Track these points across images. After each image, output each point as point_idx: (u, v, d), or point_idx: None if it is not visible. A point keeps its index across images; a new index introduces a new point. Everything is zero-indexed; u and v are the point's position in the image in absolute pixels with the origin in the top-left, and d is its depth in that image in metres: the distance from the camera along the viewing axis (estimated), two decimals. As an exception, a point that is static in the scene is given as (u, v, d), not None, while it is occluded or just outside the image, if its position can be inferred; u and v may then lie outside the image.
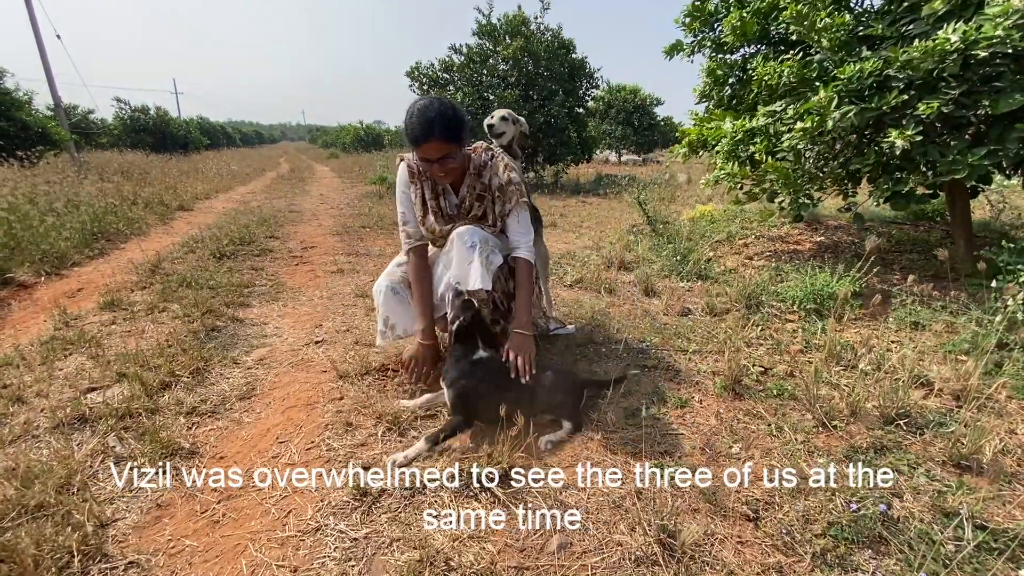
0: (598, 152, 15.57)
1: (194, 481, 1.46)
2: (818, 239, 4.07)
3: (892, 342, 2.17)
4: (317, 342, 2.45)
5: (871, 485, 1.32)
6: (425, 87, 8.55)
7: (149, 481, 1.46)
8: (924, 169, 2.18)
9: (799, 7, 2.31)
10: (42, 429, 1.70)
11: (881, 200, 2.35)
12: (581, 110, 8.79)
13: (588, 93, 8.79)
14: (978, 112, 2.04)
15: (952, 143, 2.13)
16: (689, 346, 2.22)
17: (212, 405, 1.86)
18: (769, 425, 1.64)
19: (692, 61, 3.95)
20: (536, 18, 8.35)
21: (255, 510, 1.35)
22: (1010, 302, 1.74)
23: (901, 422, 1.57)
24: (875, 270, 2.58)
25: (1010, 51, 1.83)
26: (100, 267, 3.98)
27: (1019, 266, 2.01)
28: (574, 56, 8.43)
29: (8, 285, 3.39)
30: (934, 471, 1.39)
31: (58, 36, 14.33)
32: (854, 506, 1.22)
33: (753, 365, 2.01)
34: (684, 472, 1.41)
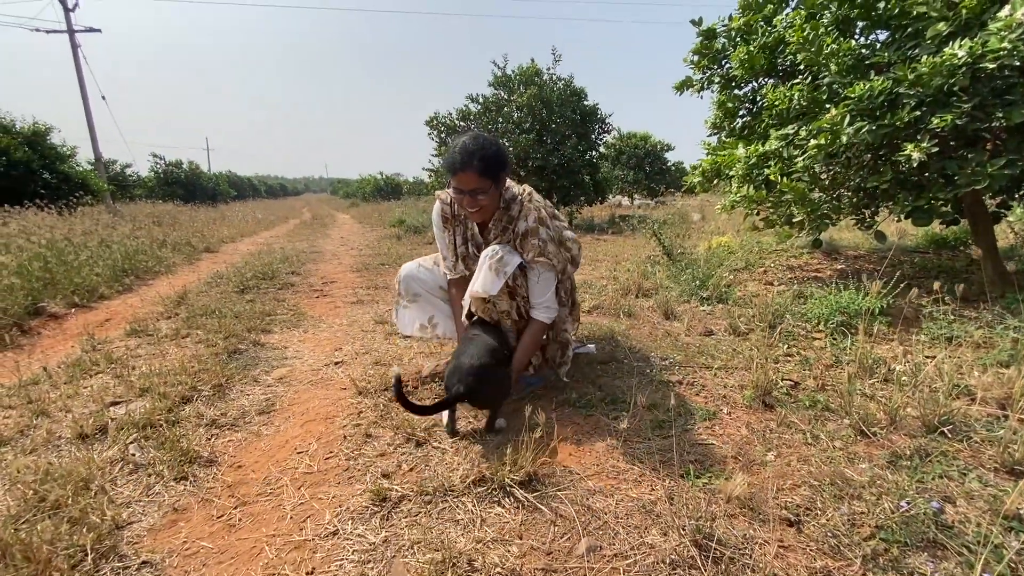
0: (611, 196, 15.85)
1: (211, 486, 1.43)
2: (838, 267, 4.02)
3: (927, 356, 2.09)
4: (336, 363, 2.45)
5: (920, 488, 1.24)
6: (443, 135, 8.90)
7: (167, 486, 1.43)
8: (943, 184, 2.17)
9: (804, 33, 2.39)
10: (64, 439, 1.70)
11: (902, 216, 2.34)
12: (594, 153, 9.02)
13: (600, 138, 9.05)
14: (993, 125, 2.05)
15: (970, 156, 2.13)
16: (714, 363, 2.17)
17: (232, 418, 1.85)
18: (804, 434, 1.56)
19: (702, 97, 4.08)
20: (548, 69, 8.76)
21: (272, 515, 1.32)
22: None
23: (945, 429, 1.49)
24: (901, 287, 2.52)
25: (1018, 63, 1.86)
26: (128, 300, 4.09)
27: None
28: (586, 103, 8.76)
29: (40, 315, 3.48)
30: (986, 476, 1.30)
31: (103, 97, 15.41)
32: (904, 504, 1.14)
33: (782, 379, 1.95)
34: (717, 478, 1.35)
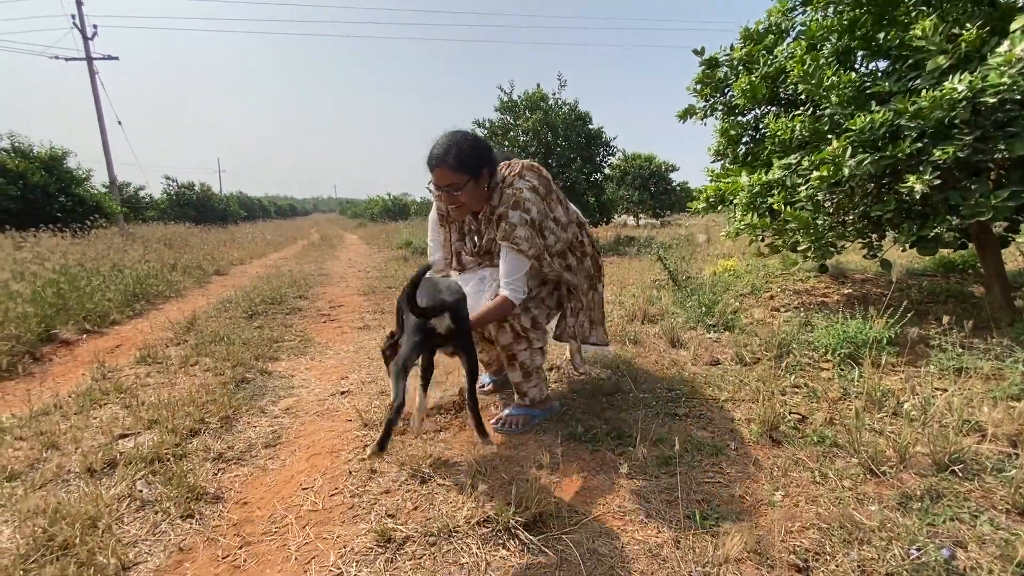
0: (616, 216, 15.95)
1: (217, 524, 1.43)
2: (846, 291, 4.00)
3: (936, 388, 2.07)
4: (343, 393, 2.46)
5: (931, 532, 1.22)
6: (450, 158, 9.03)
7: (173, 524, 1.44)
8: (948, 215, 2.18)
9: (805, 66, 2.43)
10: (73, 473, 1.71)
11: (907, 245, 2.34)
12: (598, 176, 9.10)
13: (605, 160, 9.14)
14: (995, 156, 2.06)
15: (973, 187, 2.13)
16: (720, 394, 2.16)
17: (239, 452, 1.86)
18: (812, 472, 1.55)
19: (705, 124, 4.13)
20: (554, 94, 8.91)
21: (277, 555, 1.32)
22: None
23: (956, 468, 1.47)
24: (910, 315, 2.51)
25: (1018, 97, 1.88)
26: (138, 325, 4.14)
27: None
28: (590, 127, 8.87)
29: (52, 342, 3.53)
30: (998, 519, 1.28)
31: (119, 122, 15.81)
32: (915, 551, 1.12)
33: (789, 412, 1.93)
34: (724, 520, 1.33)
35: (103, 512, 1.44)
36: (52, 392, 2.57)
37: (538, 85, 8.97)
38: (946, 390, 2.05)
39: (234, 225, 24.96)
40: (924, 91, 2.05)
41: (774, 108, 3.42)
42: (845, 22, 2.77)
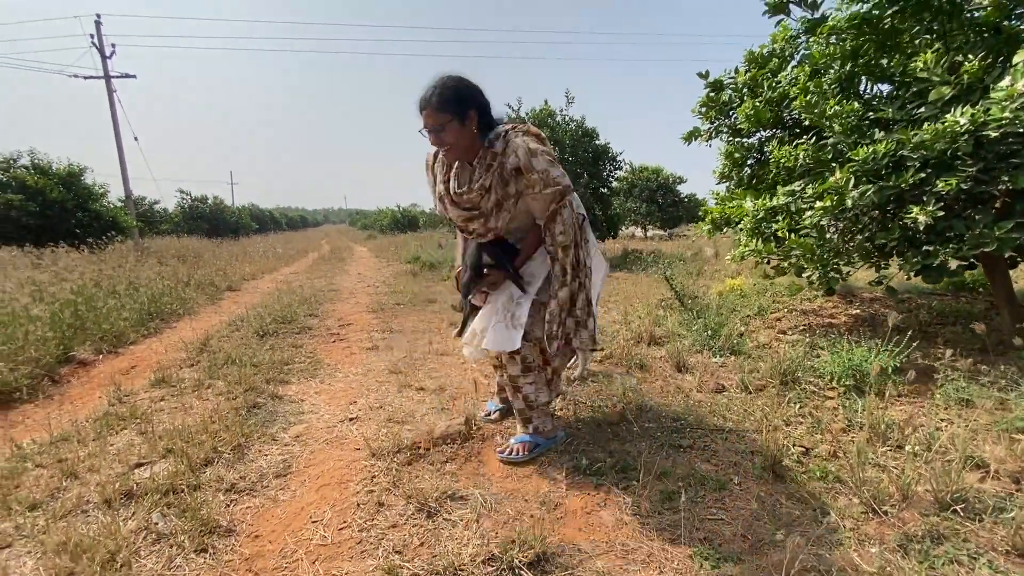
0: (624, 228, 15.97)
1: (229, 559, 1.47)
2: (853, 312, 3.99)
3: (941, 420, 2.07)
4: (351, 419, 2.50)
5: (931, 573, 1.23)
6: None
7: (187, 558, 1.48)
8: (953, 243, 2.19)
9: (808, 97, 2.47)
10: (92, 504, 1.77)
11: (912, 274, 2.35)
12: (605, 190, 9.14)
13: (612, 175, 9.19)
14: (999, 188, 2.07)
15: (977, 217, 2.15)
16: (725, 424, 2.17)
17: (250, 482, 1.90)
18: (814, 510, 1.56)
19: (710, 145, 4.17)
20: (562, 110, 9.00)
21: (287, 592, 1.35)
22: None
23: (958, 508, 1.48)
24: (916, 343, 2.51)
25: (1021, 130, 1.89)
26: (153, 345, 4.23)
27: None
28: (597, 142, 8.94)
29: (69, 362, 3.62)
30: (997, 561, 1.29)
31: (136, 139, 16.16)
32: (912, 601, 1.13)
33: (793, 445, 1.94)
34: (724, 561, 1.35)
35: (121, 546, 1.49)
36: (70, 417, 2.64)
37: (545, 101, 9.07)
38: (951, 422, 2.06)
39: (246, 237, 25.32)
40: (926, 124, 2.07)
41: (779, 131, 3.45)
42: (848, 49, 2.81)
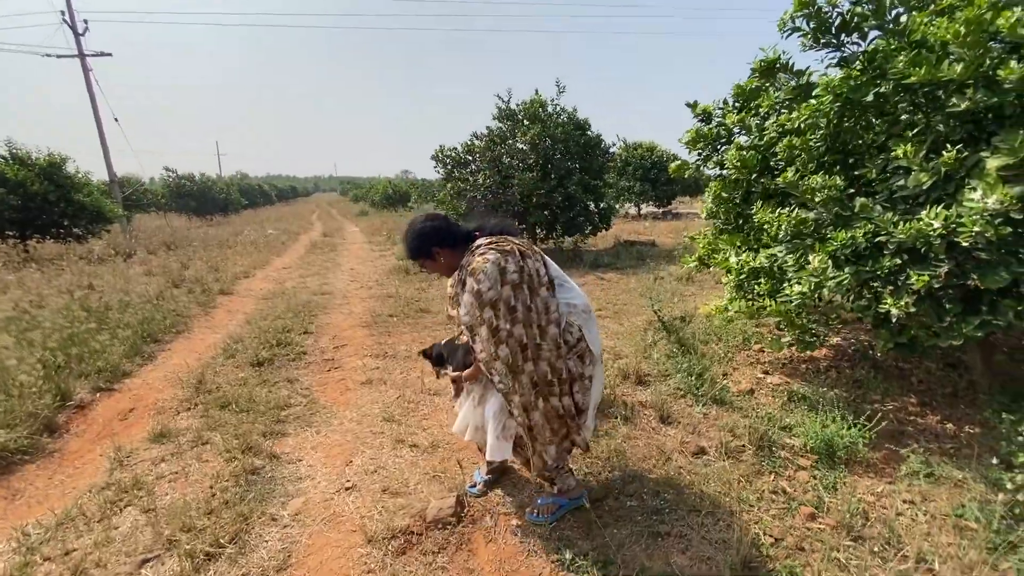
0: (618, 207, 15.91)
1: None
2: (834, 341, 4.10)
3: (903, 503, 2.20)
4: (347, 488, 2.60)
5: None
6: (449, 167, 9.02)
7: None
8: (924, 330, 2.26)
9: (792, 175, 2.48)
10: (103, 611, 1.87)
11: (886, 350, 2.43)
12: (598, 182, 9.08)
13: (604, 168, 9.11)
14: (967, 283, 2.13)
15: (948, 306, 2.21)
16: (702, 504, 2.29)
17: (252, 580, 2.01)
18: (778, 623, 1.69)
19: (700, 175, 4.16)
20: (553, 100, 8.81)
21: None
22: (1008, 485, 1.78)
23: (908, 627, 1.61)
24: (888, 388, 2.62)
25: (990, 238, 1.94)
26: (149, 377, 4.29)
27: (1020, 437, 2.04)
28: (589, 134, 8.81)
29: (66, 406, 3.67)
30: None
31: (116, 119, 15.68)
32: None
33: (764, 534, 2.07)
34: None
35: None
36: (72, 485, 2.73)
37: (536, 91, 8.87)
38: (913, 503, 2.19)
39: (236, 215, 25.00)
40: (902, 223, 2.10)
41: (767, 175, 3.44)
42: (833, 114, 2.78)
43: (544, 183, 8.16)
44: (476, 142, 8.71)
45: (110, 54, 14.94)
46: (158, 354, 4.87)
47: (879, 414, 2.65)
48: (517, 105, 8.69)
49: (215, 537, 2.20)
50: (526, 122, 8.49)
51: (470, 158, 8.80)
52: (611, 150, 8.95)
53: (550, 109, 8.74)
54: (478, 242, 2.01)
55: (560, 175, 8.31)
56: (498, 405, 2.05)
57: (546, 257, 2.09)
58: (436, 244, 2.06)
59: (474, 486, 2.51)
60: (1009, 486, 1.84)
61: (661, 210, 17.99)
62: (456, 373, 2.26)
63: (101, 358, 4.27)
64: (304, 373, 4.26)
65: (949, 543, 1.94)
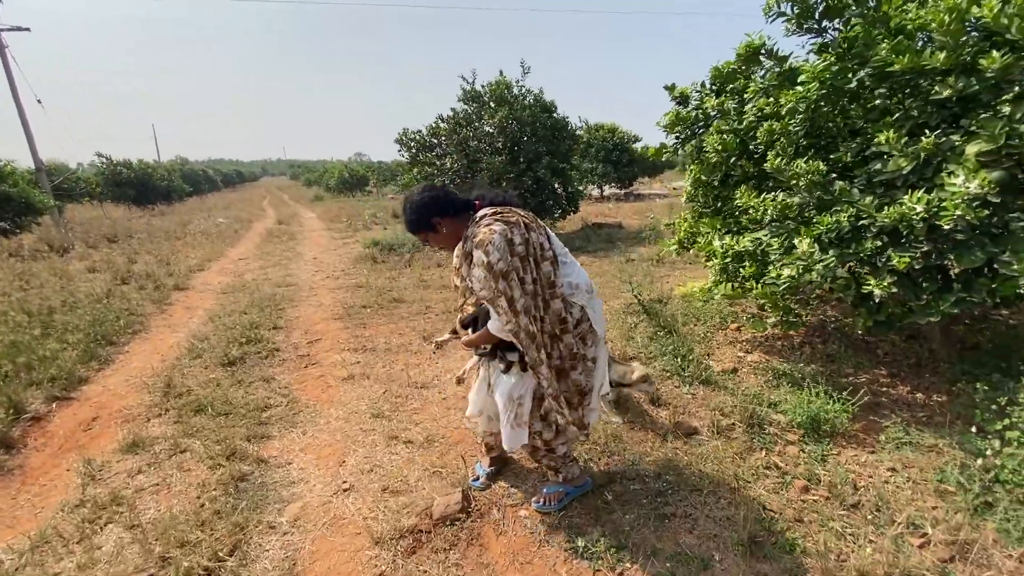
0: (582, 188, 15.99)
1: None
2: (808, 317, 4.28)
3: (887, 470, 2.34)
4: (345, 489, 2.53)
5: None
6: (414, 151, 8.77)
7: None
8: (900, 309, 2.39)
9: (777, 160, 2.54)
10: (98, 639, 1.76)
11: (865, 328, 2.56)
12: (565, 165, 9.07)
13: (571, 150, 9.10)
14: (944, 263, 2.26)
15: (925, 284, 2.34)
16: (702, 483, 2.36)
17: (258, 592, 1.94)
18: (788, 595, 1.78)
19: (679, 155, 4.21)
20: (518, 82, 8.68)
21: None
22: (988, 452, 1.92)
23: (907, 588, 1.73)
24: (859, 361, 2.76)
25: (970, 221, 2.05)
26: (109, 382, 4.01)
27: (993, 405, 2.20)
28: (556, 116, 8.76)
29: (19, 419, 3.40)
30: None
31: (39, 101, 14.37)
32: None
33: (764, 509, 2.16)
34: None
35: None
36: (42, 502, 2.54)
37: (501, 72, 8.71)
38: (895, 470, 2.34)
39: (180, 203, 23.56)
40: (887, 207, 2.19)
41: (745, 160, 3.51)
42: (814, 98, 2.86)
43: (513, 167, 8.08)
44: (442, 124, 8.50)
45: (28, 29, 13.59)
46: (115, 357, 4.56)
47: (856, 388, 2.80)
48: (482, 87, 8.51)
49: (213, 550, 2.10)
50: (492, 104, 8.34)
51: (435, 141, 8.59)
52: (578, 131, 8.92)
53: (516, 91, 8.61)
54: (481, 212, 1.94)
55: (529, 159, 8.25)
56: (507, 394, 2.03)
57: (550, 231, 2.03)
58: (436, 214, 1.97)
59: (477, 479, 2.49)
60: (988, 452, 1.99)
61: (623, 191, 18.22)
62: (468, 337, 2.14)
63: (53, 365, 3.96)
64: (280, 371, 4.09)
65: (934, 507, 2.08)
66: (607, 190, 18.30)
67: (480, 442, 2.56)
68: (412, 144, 8.68)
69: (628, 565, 1.94)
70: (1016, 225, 2.12)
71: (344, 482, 2.60)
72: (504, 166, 7.87)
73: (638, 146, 16.90)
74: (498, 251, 1.79)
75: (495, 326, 1.91)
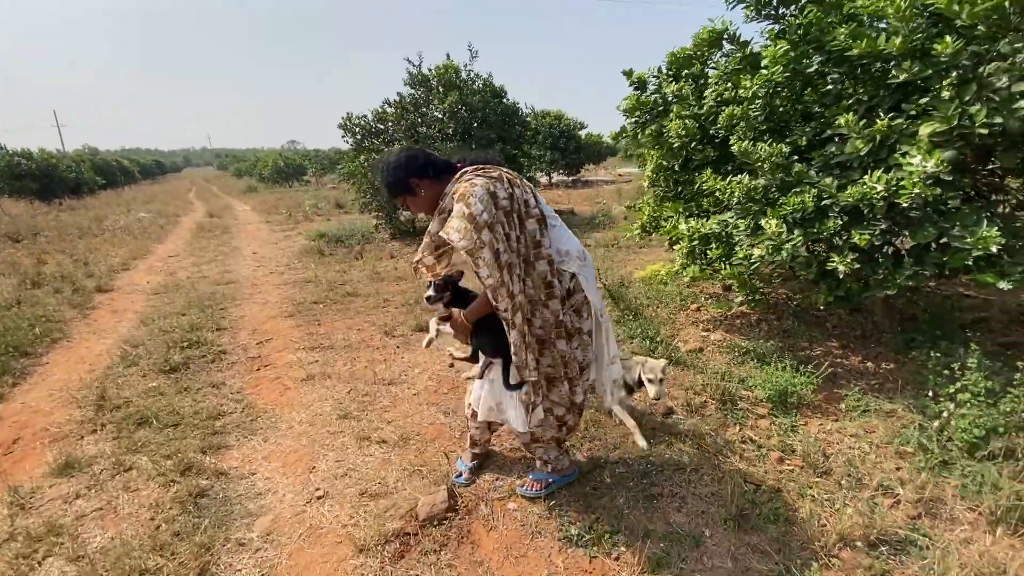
0: (532, 176, 16.02)
1: None
2: (768, 292, 4.48)
3: (850, 436, 2.49)
4: (319, 497, 2.38)
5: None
6: (359, 137, 8.40)
7: None
8: (859, 284, 2.53)
9: (744, 144, 2.60)
10: None
11: (823, 305, 2.69)
12: (517, 152, 9.00)
13: (522, 137, 9.04)
14: (899, 239, 2.40)
15: (881, 260, 2.48)
16: (685, 463, 2.40)
17: (235, 616, 1.78)
18: (777, 564, 1.83)
19: (638, 139, 4.24)
20: (466, 66, 8.48)
21: None
22: (944, 413, 2.08)
23: (883, 548, 1.83)
24: (810, 335, 2.91)
25: (925, 199, 2.18)
26: (30, 398, 3.58)
27: (946, 371, 2.37)
28: (506, 102, 8.65)
29: (-77, 446, 2.96)
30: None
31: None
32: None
33: (745, 481, 2.23)
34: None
35: None
36: (-40, 542, 2.22)
37: (448, 56, 8.47)
38: (857, 436, 2.48)
39: (92, 196, 21.44)
40: (850, 187, 2.29)
41: (705, 144, 3.58)
42: (775, 84, 2.93)
43: (466, 152, 7.92)
44: (388, 109, 8.17)
45: None
46: (33, 370, 4.08)
47: (816, 361, 2.95)
48: (429, 70, 8.25)
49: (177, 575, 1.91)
50: (441, 89, 8.10)
51: (382, 127, 8.25)
52: (528, 118, 8.86)
53: (464, 75, 8.42)
54: (463, 170, 1.84)
55: (481, 145, 8.10)
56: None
57: (536, 192, 1.93)
58: (415, 174, 1.87)
59: (460, 476, 2.41)
60: (944, 414, 2.14)
61: (571, 178, 18.39)
62: (447, 311, 1.97)
63: (-41, 382, 3.48)
64: (229, 375, 3.81)
65: (897, 467, 2.23)
66: (555, 177, 18.42)
67: (469, 437, 2.44)
68: (357, 130, 8.30)
69: (623, 549, 1.94)
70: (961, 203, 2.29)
71: (317, 489, 2.44)
72: (456, 152, 7.69)
73: (583, 133, 17.11)
74: (481, 203, 1.67)
75: (486, 279, 1.68)
